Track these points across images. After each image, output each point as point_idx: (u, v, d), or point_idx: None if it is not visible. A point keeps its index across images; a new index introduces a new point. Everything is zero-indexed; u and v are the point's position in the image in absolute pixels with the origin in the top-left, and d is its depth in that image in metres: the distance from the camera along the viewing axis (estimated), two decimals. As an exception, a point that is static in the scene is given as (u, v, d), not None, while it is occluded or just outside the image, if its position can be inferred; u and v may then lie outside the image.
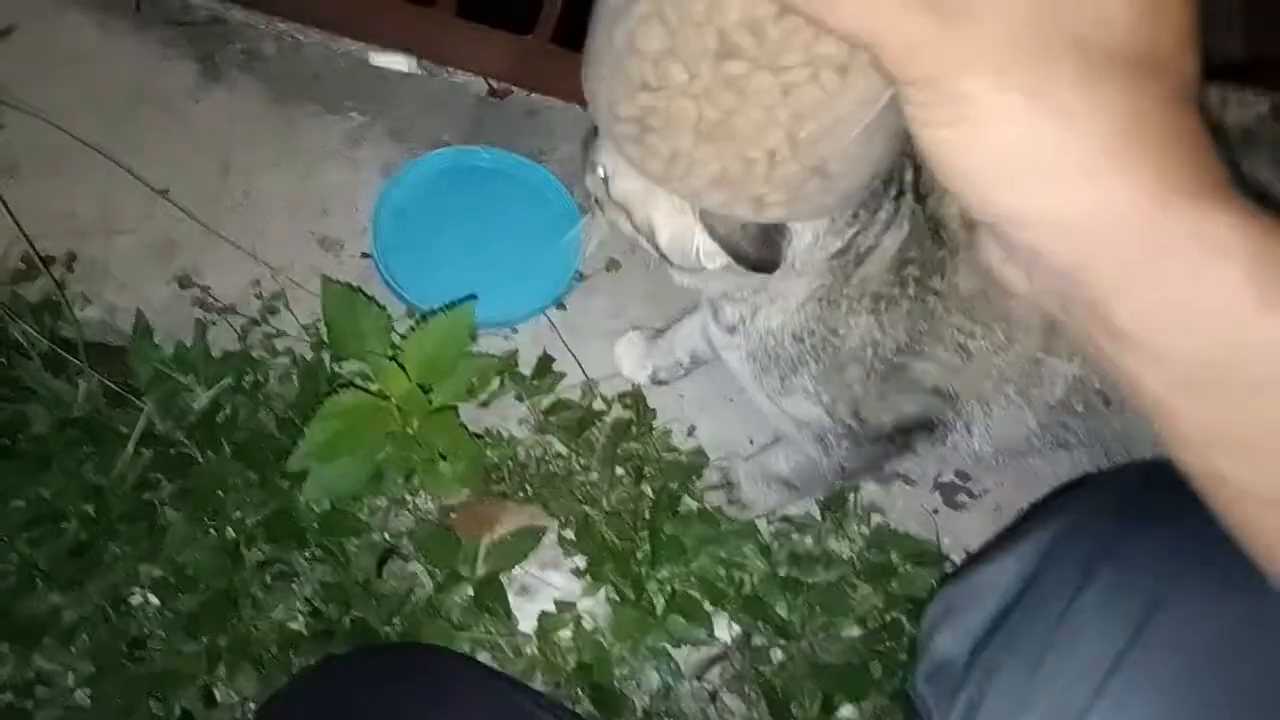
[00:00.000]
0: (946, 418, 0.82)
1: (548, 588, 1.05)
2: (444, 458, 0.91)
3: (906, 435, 0.86)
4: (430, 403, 0.92)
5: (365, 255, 1.16)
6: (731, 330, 0.82)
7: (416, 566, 1.04)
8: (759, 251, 0.65)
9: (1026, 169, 0.37)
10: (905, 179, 0.70)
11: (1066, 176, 0.36)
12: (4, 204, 1.09)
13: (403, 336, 1.03)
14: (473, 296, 1.04)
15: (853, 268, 0.73)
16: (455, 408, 0.97)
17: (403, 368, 0.92)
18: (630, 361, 1.12)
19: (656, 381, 1.11)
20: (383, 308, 0.98)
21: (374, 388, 0.93)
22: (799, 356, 0.80)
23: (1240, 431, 0.39)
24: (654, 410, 1.11)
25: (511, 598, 1.03)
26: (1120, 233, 0.36)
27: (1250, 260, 0.35)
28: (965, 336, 0.74)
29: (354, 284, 1.13)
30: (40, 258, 1.09)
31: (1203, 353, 0.37)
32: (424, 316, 1.10)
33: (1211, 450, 0.40)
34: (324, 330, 1.07)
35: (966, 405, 0.80)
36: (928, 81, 0.37)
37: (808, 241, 0.68)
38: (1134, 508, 0.64)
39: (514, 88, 1.28)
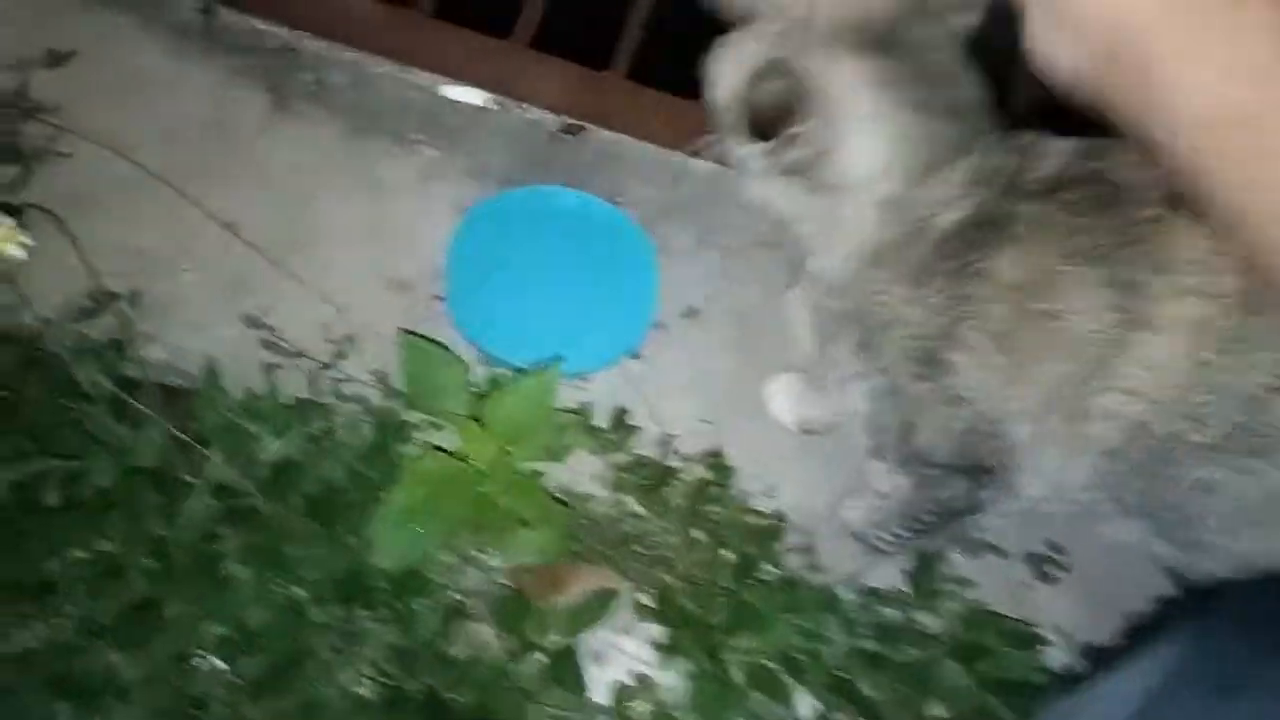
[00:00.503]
0: (997, 454, 0.78)
1: (621, 654, 1.01)
2: (526, 523, 0.86)
3: (966, 476, 0.81)
4: (515, 467, 0.87)
5: (437, 297, 1.12)
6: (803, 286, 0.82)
7: (484, 628, 0.99)
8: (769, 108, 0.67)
9: None
10: (986, 167, 0.70)
11: None
12: (71, 239, 1.05)
13: (479, 392, 0.98)
14: (559, 357, 1.00)
15: (903, 231, 0.71)
16: (540, 473, 0.92)
17: (481, 426, 0.88)
18: (782, 404, 1.07)
19: (806, 431, 1.07)
20: (462, 361, 0.93)
21: (455, 449, 0.88)
22: (840, 317, 0.77)
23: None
24: (733, 469, 1.07)
25: (582, 663, 0.99)
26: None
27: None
28: (1007, 331, 0.70)
29: (424, 329, 1.10)
30: (106, 295, 1.06)
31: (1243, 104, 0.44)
32: (490, 361, 1.06)
33: (1240, 193, 0.47)
34: (396, 377, 1.03)
35: (1014, 433, 0.75)
36: None
37: (864, 168, 0.70)
38: (1271, 632, 0.62)
39: (588, 125, 1.24)
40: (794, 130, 0.68)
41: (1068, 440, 0.73)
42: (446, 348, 0.95)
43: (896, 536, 0.92)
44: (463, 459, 0.88)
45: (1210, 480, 0.70)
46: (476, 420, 0.90)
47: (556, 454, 0.96)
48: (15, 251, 0.85)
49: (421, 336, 0.97)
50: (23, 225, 0.99)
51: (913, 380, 0.74)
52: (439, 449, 0.91)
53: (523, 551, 0.89)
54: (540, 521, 0.87)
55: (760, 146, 0.71)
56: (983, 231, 0.70)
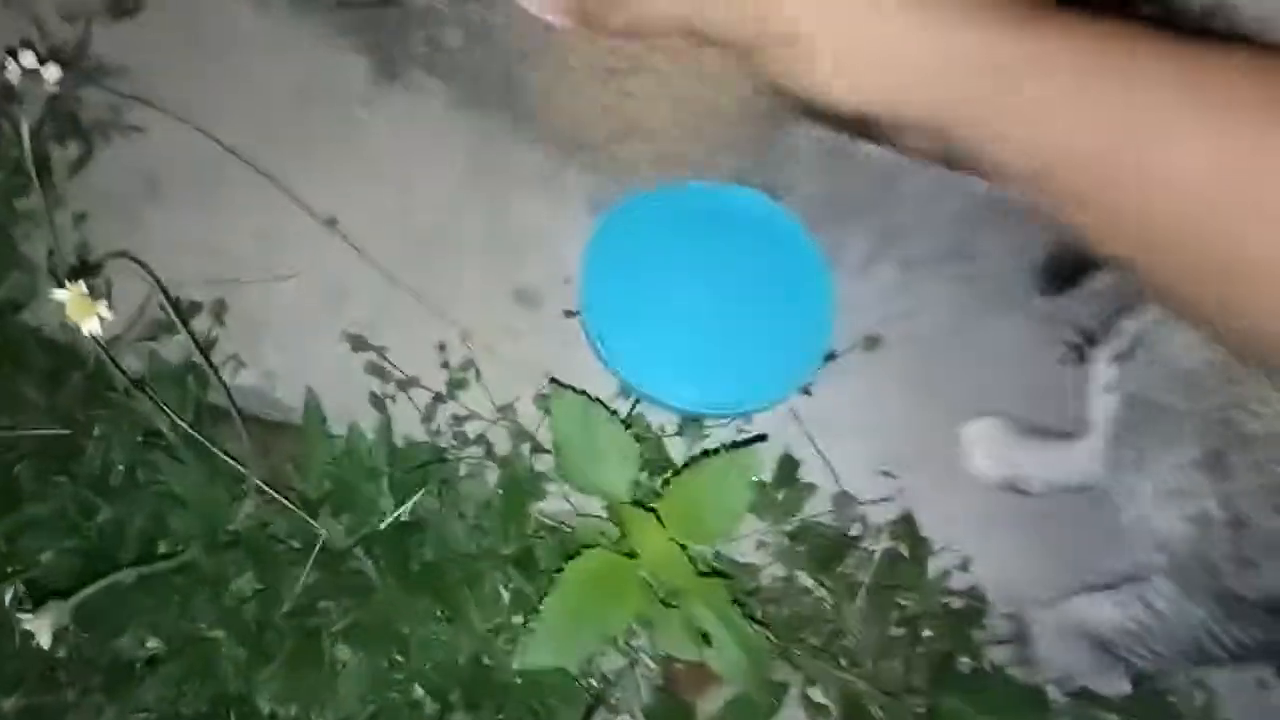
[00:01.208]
0: None
1: (787, 757, 0.85)
2: (708, 642, 0.69)
3: None
4: (693, 564, 0.70)
5: (569, 314, 0.94)
6: (1121, 358, 0.60)
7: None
8: None
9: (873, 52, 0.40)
10: None
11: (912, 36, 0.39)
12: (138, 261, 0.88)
13: (636, 434, 0.81)
14: (695, 419, 0.81)
15: None
16: (728, 578, 0.75)
17: (658, 516, 0.71)
18: (985, 455, 0.90)
19: (1015, 489, 0.89)
20: (627, 429, 0.75)
21: (606, 539, 0.71)
22: (1181, 421, 0.57)
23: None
24: (927, 540, 0.89)
25: (742, 768, 0.83)
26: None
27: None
28: None
29: (552, 354, 0.92)
30: (185, 308, 0.89)
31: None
32: (631, 393, 0.88)
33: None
34: (523, 413, 0.86)
35: None
36: (760, 33, 0.40)
37: None
38: None
39: (747, 99, 1.03)
40: None
41: None
42: (607, 408, 0.77)
43: (1158, 655, 0.74)
44: (627, 553, 0.70)
45: None
46: (644, 505, 0.72)
47: (733, 531, 0.78)
48: (94, 327, 0.67)
49: (577, 390, 0.79)
50: (99, 278, 0.81)
51: (1271, 515, 0.56)
52: (585, 546, 0.73)
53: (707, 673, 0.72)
54: (726, 643, 0.70)
55: None
56: None
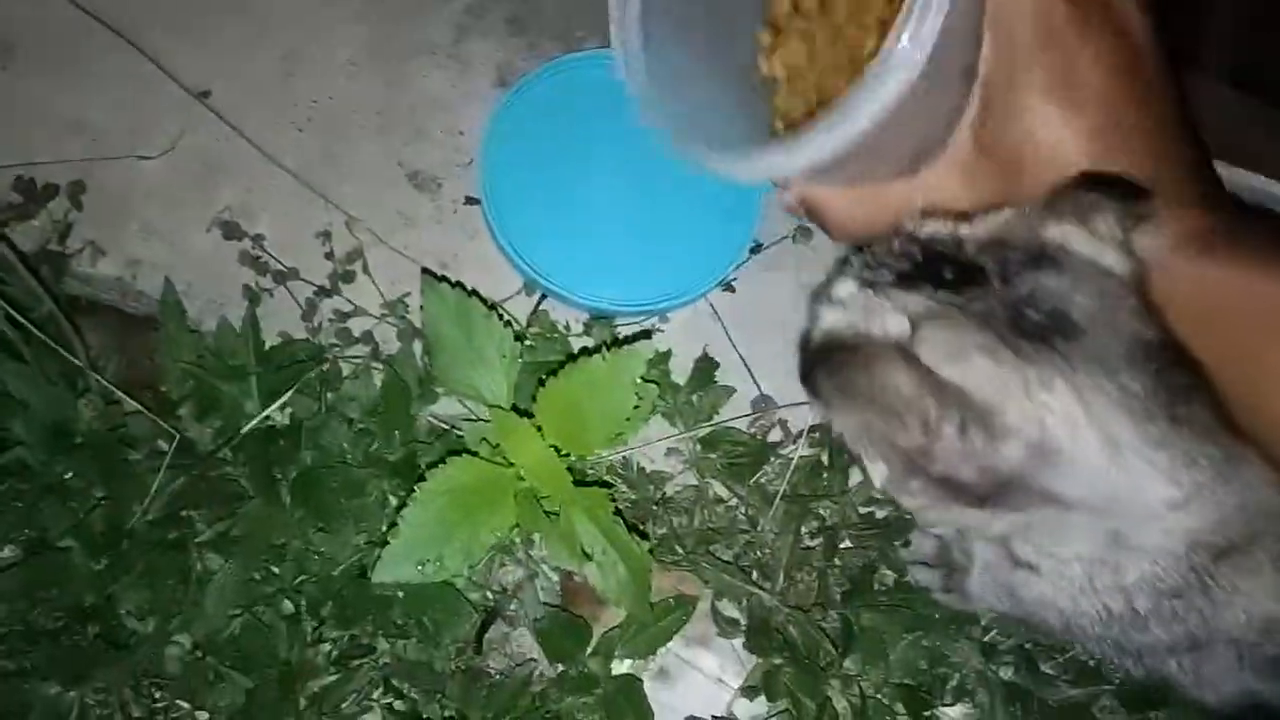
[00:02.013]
0: None
1: (694, 671, 0.80)
2: (589, 557, 0.63)
3: None
4: (570, 473, 0.63)
5: (470, 200, 0.86)
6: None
7: (527, 635, 0.79)
8: None
9: None
10: None
11: None
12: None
13: (524, 342, 0.74)
14: (604, 317, 0.74)
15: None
16: (609, 487, 0.68)
17: (532, 418, 0.64)
18: None
19: None
20: (505, 325, 0.68)
21: (489, 445, 0.64)
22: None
23: None
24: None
25: (648, 682, 0.79)
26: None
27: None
28: None
29: (453, 241, 0.84)
30: (39, 187, 0.80)
31: None
32: (536, 287, 0.81)
33: None
34: (416, 312, 0.79)
35: None
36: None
37: None
38: None
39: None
40: None
41: None
42: (485, 302, 0.69)
43: None
44: (505, 462, 0.64)
45: None
46: (520, 410, 0.65)
47: (625, 435, 0.71)
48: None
49: (451, 282, 0.71)
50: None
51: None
52: (467, 451, 0.66)
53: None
54: (606, 558, 0.64)
55: None
56: None
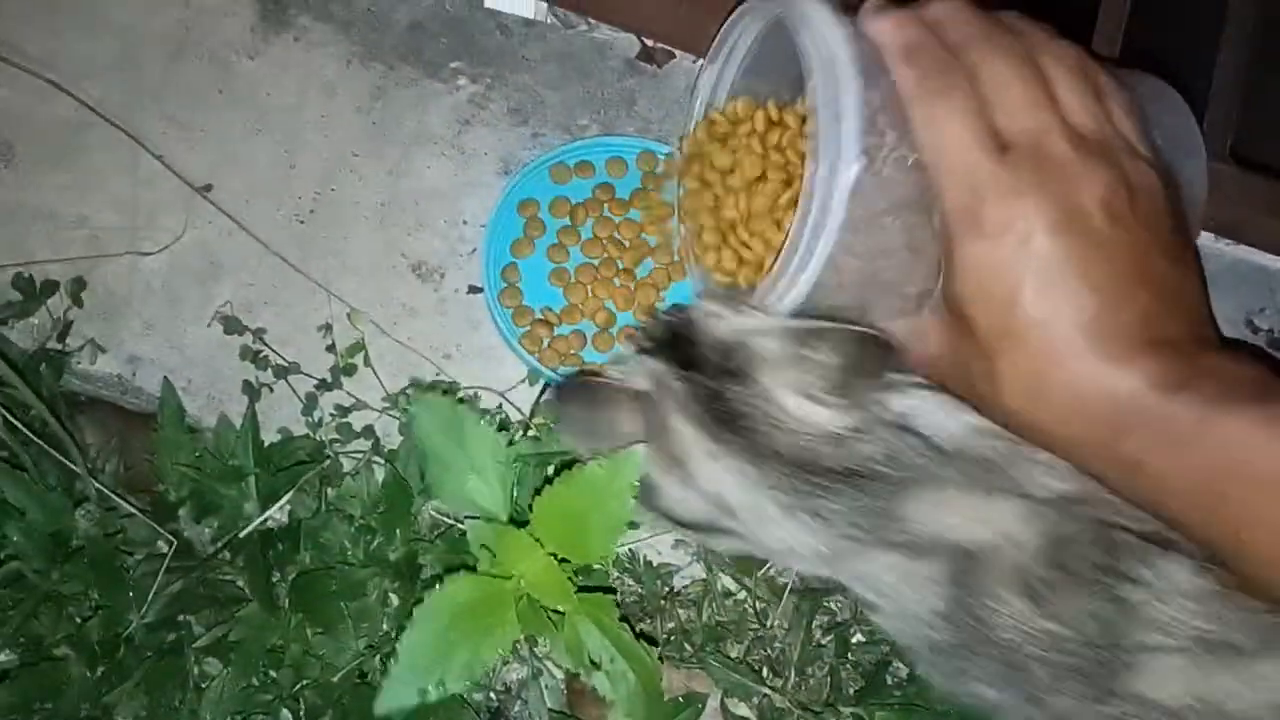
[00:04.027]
0: None
1: (705, 775, 0.78)
2: (596, 665, 0.62)
3: None
4: (573, 580, 0.62)
5: (473, 289, 0.85)
6: None
7: (532, 737, 0.76)
8: None
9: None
10: None
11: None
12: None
13: (529, 433, 0.72)
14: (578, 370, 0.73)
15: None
16: (613, 593, 0.67)
17: (525, 526, 0.62)
18: None
19: None
20: (496, 436, 0.66)
21: (489, 553, 0.63)
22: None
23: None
24: (861, 538, 0.81)
25: (656, 785, 0.76)
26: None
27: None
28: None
29: (457, 333, 0.83)
30: (39, 285, 0.80)
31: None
32: (543, 379, 0.80)
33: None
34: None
35: None
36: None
37: None
38: None
39: (677, 51, 0.93)
40: None
41: None
42: (476, 414, 0.68)
43: None
44: (504, 575, 0.62)
45: None
46: (518, 522, 0.64)
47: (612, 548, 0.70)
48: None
49: (444, 390, 0.71)
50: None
51: None
52: (466, 555, 0.65)
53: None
54: (613, 666, 0.62)
55: None
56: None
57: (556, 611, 0.65)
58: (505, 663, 0.78)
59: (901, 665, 0.79)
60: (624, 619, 0.64)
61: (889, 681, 0.78)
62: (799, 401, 0.54)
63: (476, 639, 0.60)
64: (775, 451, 0.53)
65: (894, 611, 0.57)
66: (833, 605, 0.79)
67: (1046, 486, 0.52)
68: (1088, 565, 0.51)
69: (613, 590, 0.70)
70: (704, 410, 0.54)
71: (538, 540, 0.61)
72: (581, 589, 0.63)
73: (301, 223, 0.86)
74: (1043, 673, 0.53)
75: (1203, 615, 0.50)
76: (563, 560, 0.62)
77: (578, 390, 0.62)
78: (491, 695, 0.77)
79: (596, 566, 0.76)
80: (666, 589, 0.79)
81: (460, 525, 0.75)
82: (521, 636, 0.74)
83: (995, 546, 0.52)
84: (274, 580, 0.73)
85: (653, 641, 0.73)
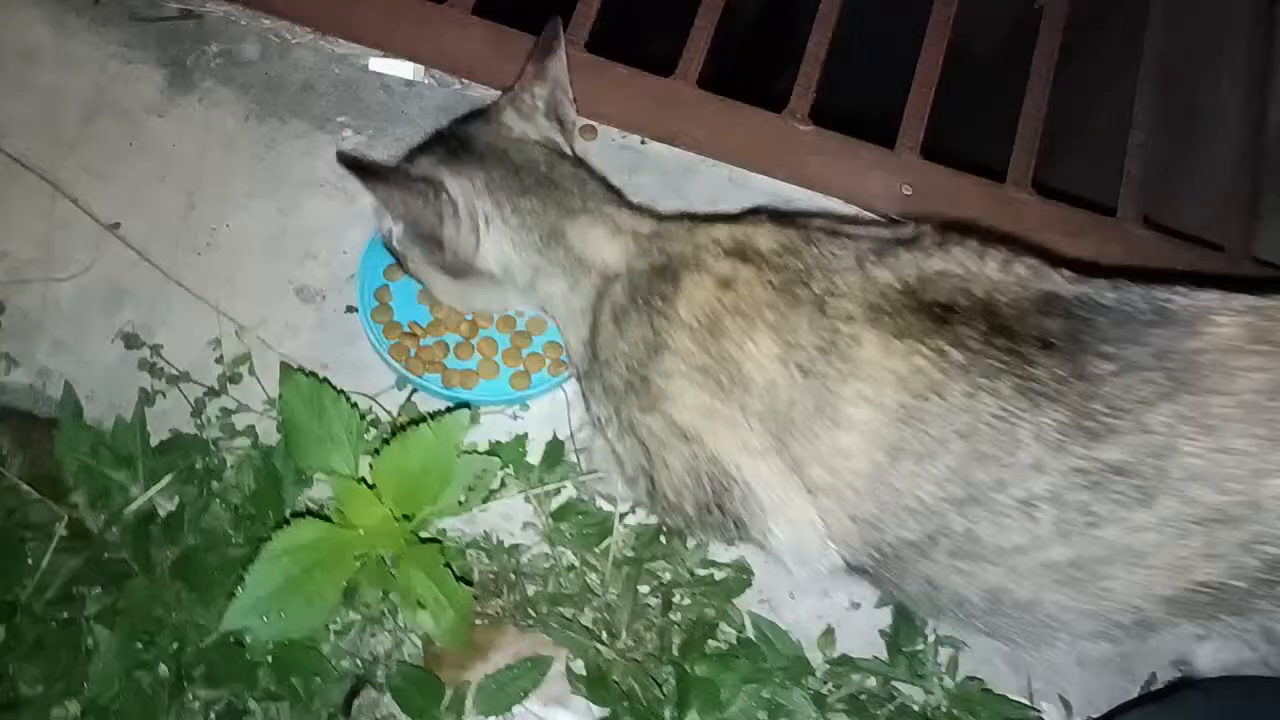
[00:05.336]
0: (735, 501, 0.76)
1: (552, 731, 0.87)
2: (422, 605, 0.72)
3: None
4: (410, 533, 0.72)
5: (351, 309, 0.97)
6: None
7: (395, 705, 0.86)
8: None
9: None
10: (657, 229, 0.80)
11: None
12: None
13: (386, 437, 0.83)
14: (465, 406, 0.85)
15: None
16: (439, 543, 0.78)
17: (373, 488, 0.73)
18: None
19: None
20: (352, 405, 0.78)
21: (339, 512, 0.73)
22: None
23: None
24: (689, 516, 0.92)
25: (510, 741, 0.85)
26: None
27: None
28: (703, 366, 0.72)
29: (336, 348, 0.95)
30: (-39, 308, 0.91)
31: None
32: (409, 385, 0.91)
33: None
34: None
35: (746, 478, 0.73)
36: None
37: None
38: None
39: (538, 104, 1.07)
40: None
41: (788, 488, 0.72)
42: (334, 388, 0.79)
43: None
44: (345, 524, 0.73)
45: (931, 575, 0.71)
46: (364, 480, 0.74)
47: (467, 503, 0.81)
48: None
49: (307, 373, 0.82)
50: None
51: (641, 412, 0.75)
52: (318, 514, 0.76)
53: (422, 625, 0.74)
54: (437, 605, 0.72)
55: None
56: (664, 279, 0.75)
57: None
58: (372, 635, 0.87)
59: (729, 629, 0.89)
60: (447, 565, 0.74)
61: (715, 640, 0.88)
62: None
63: (318, 577, 0.70)
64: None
65: None
66: (664, 574, 0.89)
67: None
68: None
69: (439, 542, 0.80)
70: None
71: (377, 495, 0.72)
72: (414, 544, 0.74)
73: (199, 255, 0.98)
74: None
75: None
76: (403, 519, 0.72)
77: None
78: (358, 663, 0.86)
79: (452, 543, 0.86)
80: (514, 563, 0.89)
81: (328, 510, 0.86)
82: (386, 610, 0.85)
83: None
84: (161, 558, 0.83)
85: (468, 583, 0.83)
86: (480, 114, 0.87)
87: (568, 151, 0.86)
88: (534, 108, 0.86)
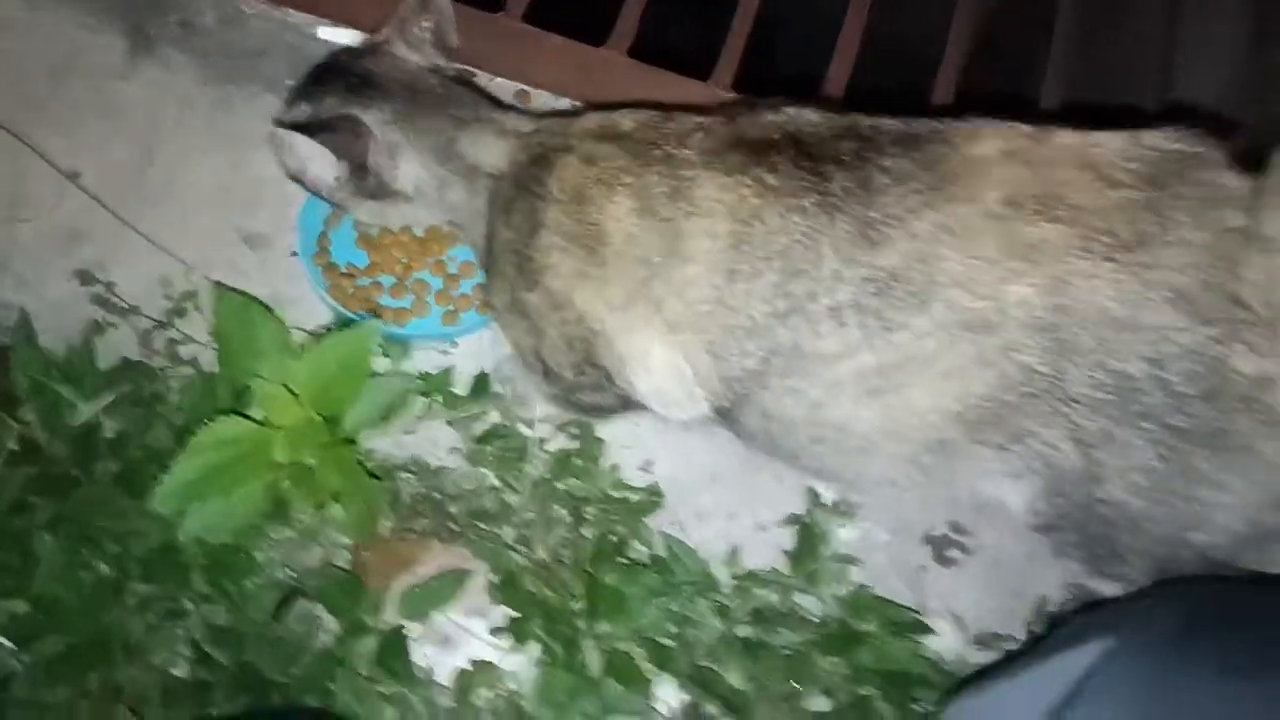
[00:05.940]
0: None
1: (472, 638, 0.93)
2: (336, 498, 0.78)
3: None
4: (331, 433, 0.79)
5: (294, 254, 1.04)
6: None
7: (323, 609, 0.92)
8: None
9: None
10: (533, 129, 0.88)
11: None
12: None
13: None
14: (375, 314, 0.92)
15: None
16: (353, 441, 0.84)
17: (295, 393, 0.80)
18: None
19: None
20: (279, 321, 0.85)
21: (262, 415, 0.80)
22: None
23: None
24: (602, 441, 0.98)
25: (430, 649, 0.91)
26: None
27: None
28: (574, 234, 0.80)
29: (278, 288, 1.02)
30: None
31: None
32: (348, 324, 0.98)
33: None
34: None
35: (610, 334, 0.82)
36: None
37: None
38: (1184, 652, 0.62)
39: (478, 71, 1.15)
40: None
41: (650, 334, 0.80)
42: (265, 305, 0.86)
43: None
44: (269, 425, 0.79)
45: (767, 407, 0.79)
46: (287, 387, 0.81)
47: (387, 418, 0.87)
48: None
49: (240, 293, 0.89)
50: None
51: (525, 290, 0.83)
52: (243, 414, 0.82)
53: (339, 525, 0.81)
54: (348, 497, 0.79)
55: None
56: (540, 165, 0.83)
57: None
58: (306, 549, 0.93)
59: (642, 547, 0.95)
60: (359, 463, 0.80)
61: (627, 556, 0.94)
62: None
63: (240, 470, 0.76)
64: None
65: None
66: (574, 491, 0.95)
67: None
68: None
69: (354, 442, 0.87)
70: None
71: (297, 398, 0.78)
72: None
73: (154, 206, 1.05)
74: None
75: None
76: (326, 421, 0.78)
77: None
78: (290, 572, 0.92)
79: (382, 466, 0.93)
80: (440, 485, 0.95)
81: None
82: (317, 526, 0.91)
83: None
84: (105, 471, 0.89)
85: (377, 477, 0.90)
86: (368, 49, 0.94)
87: (453, 73, 0.94)
88: (422, 39, 0.93)
